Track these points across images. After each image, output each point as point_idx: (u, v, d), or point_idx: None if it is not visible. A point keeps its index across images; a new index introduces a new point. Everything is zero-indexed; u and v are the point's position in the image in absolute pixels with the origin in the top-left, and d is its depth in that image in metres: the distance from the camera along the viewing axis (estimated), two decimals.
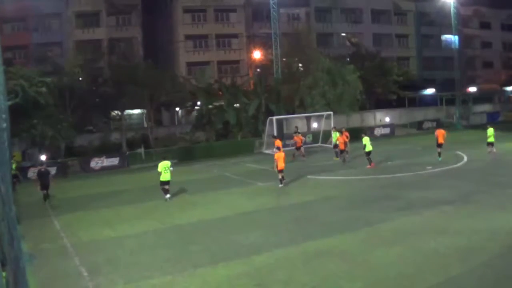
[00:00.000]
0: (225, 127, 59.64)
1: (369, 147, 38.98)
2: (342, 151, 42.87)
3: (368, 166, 38.43)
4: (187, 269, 17.59)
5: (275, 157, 33.30)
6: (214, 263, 18.05)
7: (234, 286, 16.01)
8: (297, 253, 18.72)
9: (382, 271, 16.46)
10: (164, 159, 31.42)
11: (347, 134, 43.21)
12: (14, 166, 38.65)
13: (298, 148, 46.48)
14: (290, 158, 45.14)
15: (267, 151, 43.60)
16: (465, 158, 40.78)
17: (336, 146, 45.05)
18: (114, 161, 48.74)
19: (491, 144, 41.82)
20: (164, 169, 30.42)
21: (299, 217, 24.56)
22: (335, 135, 45.36)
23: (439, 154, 41.18)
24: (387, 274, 16.14)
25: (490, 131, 41.96)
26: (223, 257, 18.65)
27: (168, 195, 30.76)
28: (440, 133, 41.66)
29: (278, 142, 39.87)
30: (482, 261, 16.77)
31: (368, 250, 18.60)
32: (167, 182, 30.67)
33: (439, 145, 41.44)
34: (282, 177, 33.22)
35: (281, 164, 32.86)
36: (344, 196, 29.27)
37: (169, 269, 17.70)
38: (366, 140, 39.52)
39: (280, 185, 33.12)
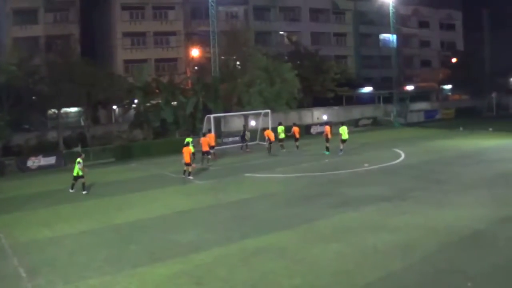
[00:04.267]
0: (162, 125, 59.44)
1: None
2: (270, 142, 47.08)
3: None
4: (126, 269, 17.67)
5: (183, 150, 36.22)
6: (153, 262, 18.18)
7: (174, 285, 16.17)
8: (236, 251, 18.99)
9: (321, 267, 16.81)
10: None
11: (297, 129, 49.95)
12: None
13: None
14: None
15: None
16: (402, 155, 41.74)
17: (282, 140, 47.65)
18: (51, 160, 47.99)
19: (343, 141, 44.50)
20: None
21: (237, 215, 24.87)
22: (281, 129, 48.19)
23: (327, 148, 44.98)
24: (326, 271, 16.49)
25: (343, 129, 44.77)
26: (161, 256, 18.80)
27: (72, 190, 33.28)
28: (327, 129, 45.72)
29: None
30: (421, 256, 17.30)
31: (307, 247, 18.96)
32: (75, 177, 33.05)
33: (328, 140, 45.11)
34: (185, 170, 36.42)
35: (186, 158, 35.81)
36: (281, 193, 29.73)
37: (108, 269, 17.75)
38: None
39: (183, 176, 36.42)
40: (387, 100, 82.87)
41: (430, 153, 42.87)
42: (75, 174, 32.76)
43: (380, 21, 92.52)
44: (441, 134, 57.29)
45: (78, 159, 32.96)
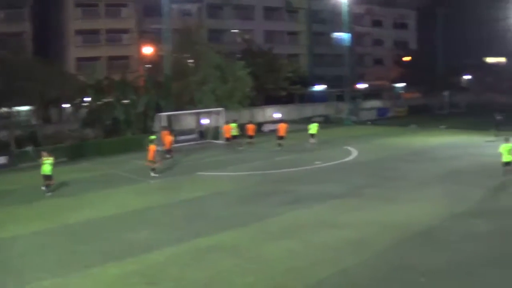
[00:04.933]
0: (114, 124, 58.98)
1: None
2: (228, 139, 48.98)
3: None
4: (78, 269, 17.73)
5: (149, 148, 36.05)
6: (105, 262, 18.26)
7: (126, 285, 16.35)
8: (189, 250, 19.25)
9: (274, 265, 17.18)
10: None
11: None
12: None
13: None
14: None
15: (158, 148, 43.74)
16: (354, 153, 42.35)
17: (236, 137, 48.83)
18: (2, 160, 47.42)
19: (312, 135, 46.87)
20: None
21: (190, 213, 25.14)
22: (234, 126, 49.26)
23: (279, 144, 46.16)
24: (279, 268, 16.86)
25: (313, 125, 47.24)
26: (114, 256, 18.91)
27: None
28: (282, 127, 47.19)
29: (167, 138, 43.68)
30: (373, 252, 17.79)
31: (259, 245, 19.35)
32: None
33: (280, 138, 46.78)
34: (152, 168, 36.30)
35: (150, 156, 35.91)
36: (233, 191, 30.08)
37: (60, 270, 17.78)
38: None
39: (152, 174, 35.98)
40: (340, 98, 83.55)
41: (382, 151, 43.61)
42: (48, 173, 31.99)
43: (333, 19, 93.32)
44: (393, 132, 58.11)
45: (45, 158, 32.27)
